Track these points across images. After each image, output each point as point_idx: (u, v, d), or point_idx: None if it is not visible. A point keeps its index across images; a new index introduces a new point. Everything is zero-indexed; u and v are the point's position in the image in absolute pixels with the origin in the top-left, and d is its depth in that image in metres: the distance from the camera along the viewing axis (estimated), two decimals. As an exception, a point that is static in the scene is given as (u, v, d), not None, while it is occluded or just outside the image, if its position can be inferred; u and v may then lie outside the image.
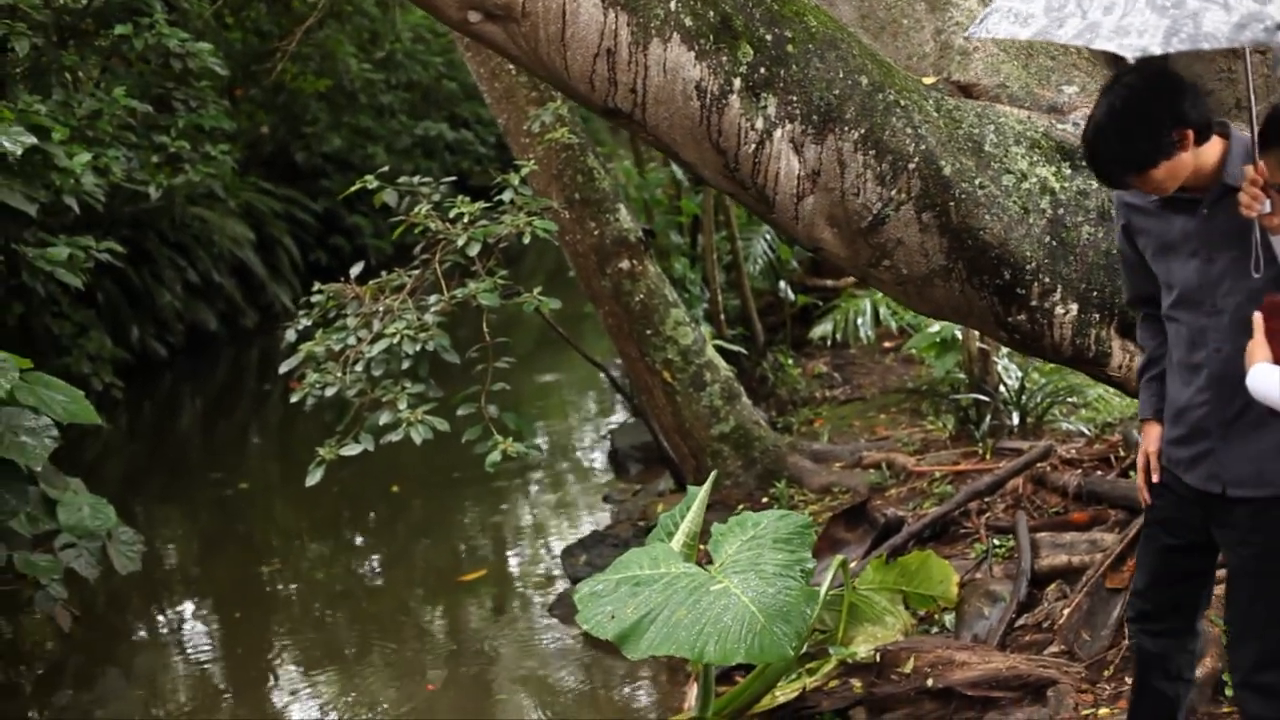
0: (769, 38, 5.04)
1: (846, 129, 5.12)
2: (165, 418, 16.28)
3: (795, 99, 5.08)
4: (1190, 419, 4.30)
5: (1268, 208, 3.86)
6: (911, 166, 5.17)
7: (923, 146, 5.19)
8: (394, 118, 25.60)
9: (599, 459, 12.85)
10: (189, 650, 9.27)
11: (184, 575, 10.92)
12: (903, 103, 5.21)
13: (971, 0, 5.67)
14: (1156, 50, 3.52)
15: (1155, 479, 4.48)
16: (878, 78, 5.20)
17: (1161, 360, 4.48)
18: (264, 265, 20.47)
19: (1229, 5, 3.55)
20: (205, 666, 8.97)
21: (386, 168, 8.68)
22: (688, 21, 4.93)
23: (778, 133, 5.10)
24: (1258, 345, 3.82)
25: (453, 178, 8.40)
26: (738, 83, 5.02)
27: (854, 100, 5.13)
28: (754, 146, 5.10)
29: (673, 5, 4.91)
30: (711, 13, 4.96)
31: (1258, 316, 3.84)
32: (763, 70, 5.03)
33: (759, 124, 5.07)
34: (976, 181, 5.22)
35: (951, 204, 5.21)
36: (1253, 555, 4.21)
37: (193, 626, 9.81)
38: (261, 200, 20.93)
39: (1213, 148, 4.08)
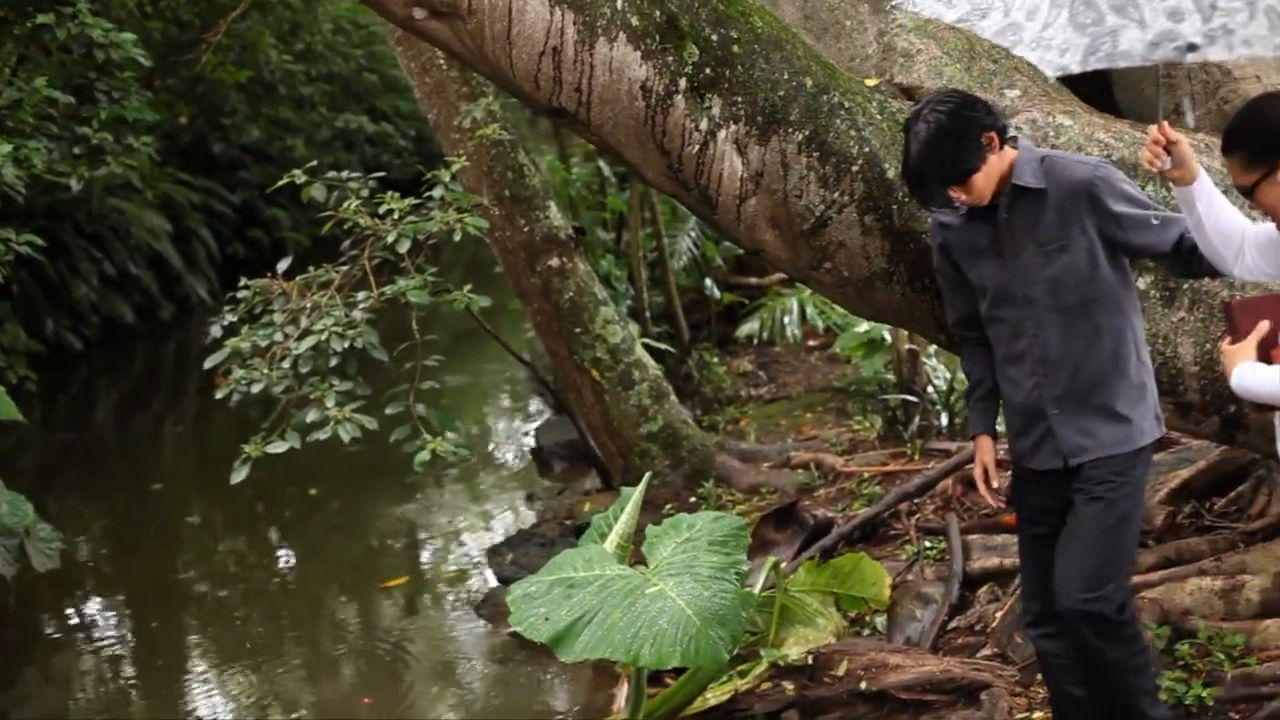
0: (714, 38, 5.01)
1: (790, 131, 5.10)
2: (80, 411, 16.06)
3: (740, 100, 5.05)
4: (1023, 405, 4.69)
5: (1168, 164, 4.13)
6: (855, 169, 5.16)
7: (866, 149, 5.17)
8: (314, 110, 25.41)
9: (522, 456, 12.79)
10: (106, 649, 9.13)
11: (100, 573, 10.76)
12: (847, 105, 5.19)
13: (915, 3, 5.65)
14: (1076, 69, 3.81)
15: (995, 484, 4.88)
16: (822, 79, 5.17)
17: (986, 382, 4.86)
18: (181, 257, 20.28)
19: (1144, 23, 3.79)
20: (122, 666, 8.84)
21: (309, 161, 8.55)
22: (634, 21, 4.88)
23: (722, 134, 5.06)
24: (1238, 348, 3.89)
25: (380, 173, 8.26)
26: (683, 83, 4.98)
27: (798, 102, 5.10)
28: (698, 148, 5.06)
29: (619, 4, 4.87)
30: (658, 12, 4.92)
31: (1263, 325, 3.91)
32: (708, 71, 5.00)
33: (703, 125, 5.03)
34: (919, 185, 5.21)
35: (894, 207, 5.20)
36: (1094, 487, 4.59)
37: (109, 625, 9.66)
38: (179, 192, 20.72)
39: (1007, 156, 4.52)
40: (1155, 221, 4.47)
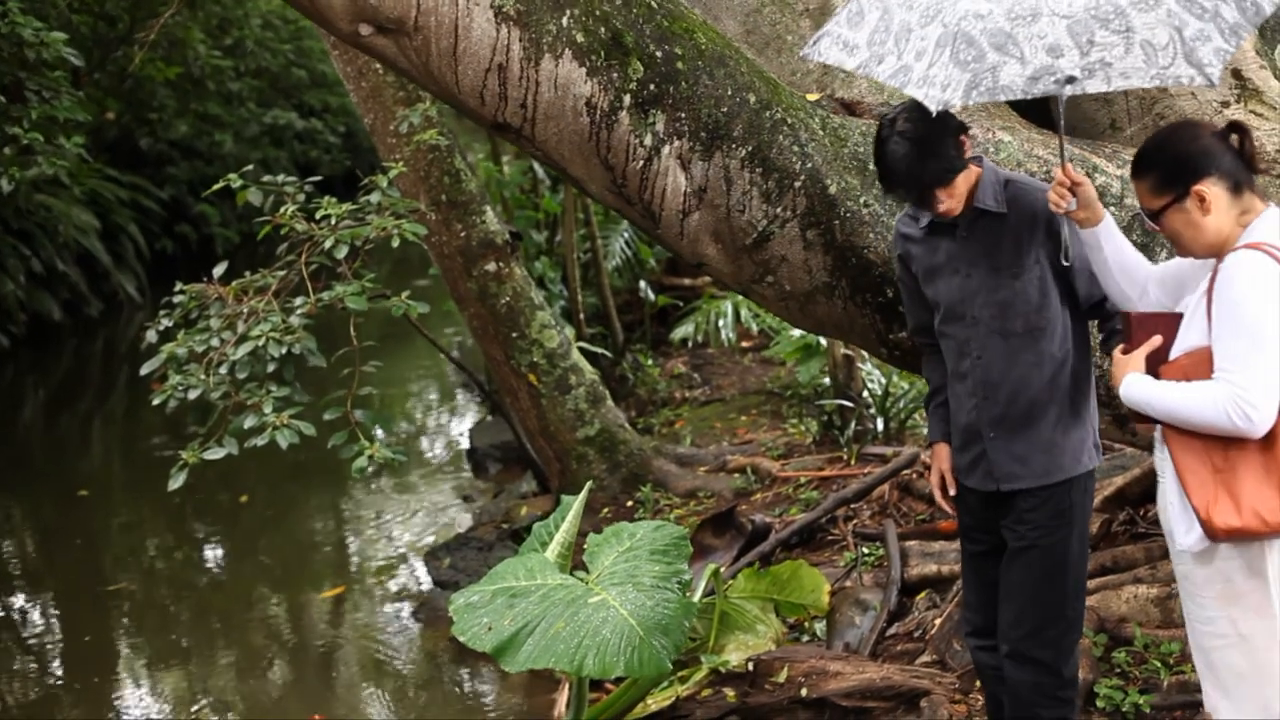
0: (659, 54, 5.03)
1: (734, 146, 5.13)
2: (7, 410, 15.90)
3: (684, 116, 5.08)
4: (963, 424, 4.72)
5: (1074, 205, 4.23)
6: (797, 185, 5.20)
7: (809, 165, 5.21)
8: (242, 105, 25.27)
9: (455, 456, 12.78)
10: (34, 650, 9.05)
11: (28, 574, 10.66)
12: (789, 121, 5.23)
13: (855, 19, 5.69)
14: (958, 104, 3.89)
15: (952, 492, 4.85)
16: (765, 95, 5.21)
17: (944, 389, 4.86)
18: (109, 254, 20.13)
19: (1024, 59, 3.87)
20: (50, 666, 8.77)
21: (237, 156, 8.53)
22: (579, 38, 4.90)
23: (666, 149, 5.09)
24: (1129, 359, 4.03)
25: (315, 177, 8.23)
26: (627, 99, 5.00)
27: (742, 118, 5.14)
28: (642, 163, 5.09)
29: (565, 21, 4.88)
30: (603, 29, 4.94)
31: (1155, 340, 4.04)
32: (652, 87, 5.02)
33: (648, 140, 5.06)
34: (861, 200, 5.26)
35: (836, 222, 5.24)
36: (1028, 532, 4.62)
37: (37, 626, 9.58)
38: (107, 188, 20.55)
39: (972, 174, 4.53)
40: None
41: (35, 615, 9.83)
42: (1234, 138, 3.94)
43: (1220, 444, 3.80)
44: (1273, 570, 3.84)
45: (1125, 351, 4.07)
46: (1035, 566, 4.61)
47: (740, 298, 12.11)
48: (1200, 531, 3.82)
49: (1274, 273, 3.75)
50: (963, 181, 4.47)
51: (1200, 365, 3.85)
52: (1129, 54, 3.89)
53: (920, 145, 4.35)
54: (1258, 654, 3.90)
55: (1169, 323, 4.04)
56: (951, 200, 4.47)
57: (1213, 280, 3.86)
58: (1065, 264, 4.40)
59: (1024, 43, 3.90)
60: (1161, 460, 4.04)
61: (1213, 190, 3.87)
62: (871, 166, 5.31)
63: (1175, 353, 3.97)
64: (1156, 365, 3.98)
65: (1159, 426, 3.99)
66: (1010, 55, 3.89)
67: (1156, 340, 4.02)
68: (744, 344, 13.16)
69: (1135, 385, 3.96)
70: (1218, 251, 3.90)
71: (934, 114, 4.04)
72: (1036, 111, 5.84)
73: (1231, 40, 3.95)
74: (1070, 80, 3.88)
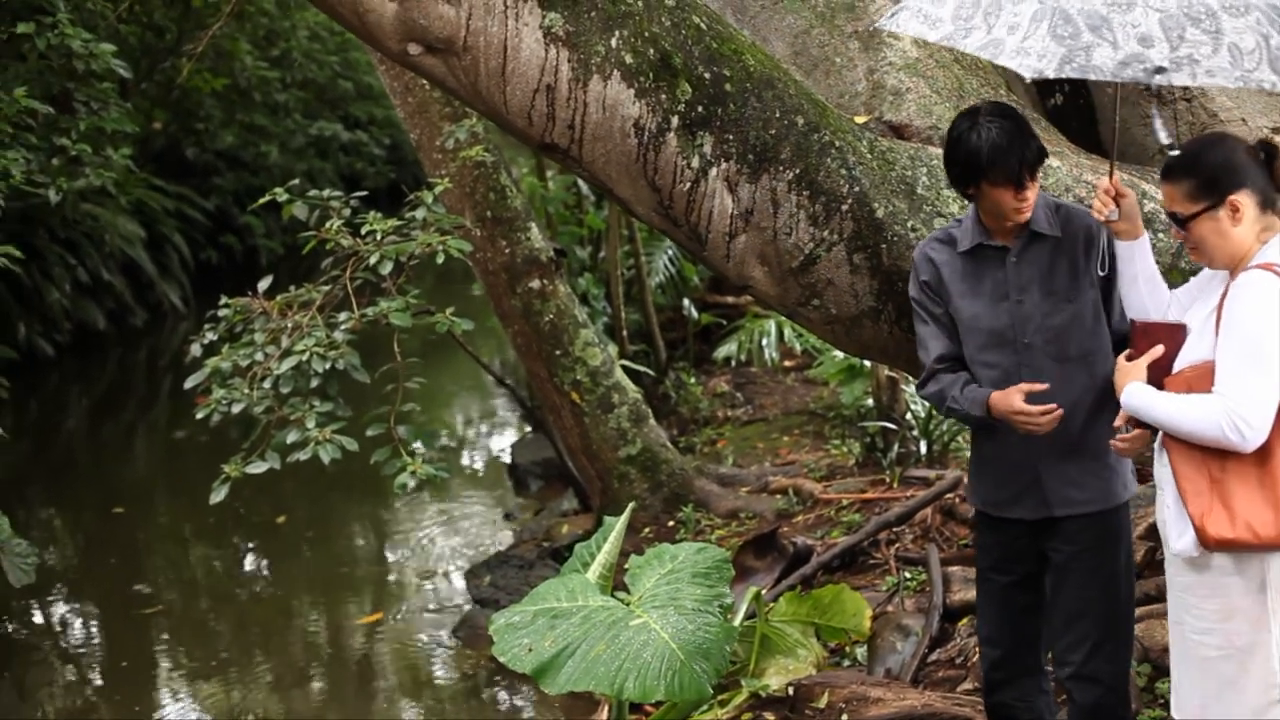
0: (707, 76, 5.01)
1: (781, 169, 5.11)
2: (52, 419, 16.00)
3: (731, 138, 5.05)
4: (1009, 453, 4.64)
5: (1116, 215, 4.32)
6: (845, 208, 5.17)
7: (856, 188, 5.18)
8: (288, 116, 25.36)
9: (496, 472, 12.78)
10: (76, 660, 9.09)
11: (71, 585, 10.69)
12: (837, 144, 5.20)
13: (905, 42, 5.67)
14: (1050, 74, 4.00)
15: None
16: (813, 118, 5.18)
17: (950, 364, 4.71)
18: (154, 264, 20.24)
19: (1117, 44, 3.99)
20: (91, 676, 8.80)
21: (283, 167, 8.56)
22: (628, 59, 4.89)
23: (713, 171, 5.07)
24: (1132, 367, 4.15)
25: (361, 193, 8.24)
26: (675, 121, 4.98)
27: (789, 140, 5.11)
28: (689, 185, 5.07)
29: (613, 42, 4.87)
30: (651, 50, 4.92)
31: (1158, 350, 4.15)
32: (700, 109, 5.00)
33: (695, 162, 5.04)
34: (909, 224, 5.22)
35: (883, 246, 5.21)
36: (1079, 554, 4.61)
37: (79, 636, 9.62)
38: (153, 198, 20.66)
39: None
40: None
41: (76, 625, 9.87)
42: (1263, 155, 4.06)
43: (1218, 456, 3.89)
44: (1272, 585, 3.92)
45: (1129, 359, 4.19)
46: (1091, 584, 4.61)
47: (784, 317, 12.08)
48: (1193, 537, 3.93)
49: None
50: (1037, 183, 4.47)
51: (1204, 378, 3.96)
52: (1216, 54, 3.98)
53: (1018, 126, 4.39)
54: (1251, 666, 3.98)
55: (1171, 333, 4.16)
56: (1030, 200, 4.46)
57: (1223, 297, 3.98)
58: (1102, 274, 4.46)
59: (1118, 28, 4.01)
60: (1161, 470, 4.13)
61: (1245, 202, 3.97)
62: (919, 191, 5.30)
63: (1181, 364, 4.08)
64: (1158, 374, 4.09)
65: (1159, 437, 4.09)
66: (1104, 39, 4.00)
67: (1158, 350, 4.13)
68: (787, 364, 13.12)
69: (1136, 393, 4.08)
70: (1236, 262, 4.01)
71: (1028, 80, 4.20)
72: (1084, 137, 5.80)
73: None
74: (1160, 70, 3.96)
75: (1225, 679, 4.04)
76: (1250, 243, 3.99)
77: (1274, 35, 4.02)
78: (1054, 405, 4.41)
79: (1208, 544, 3.89)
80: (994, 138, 4.35)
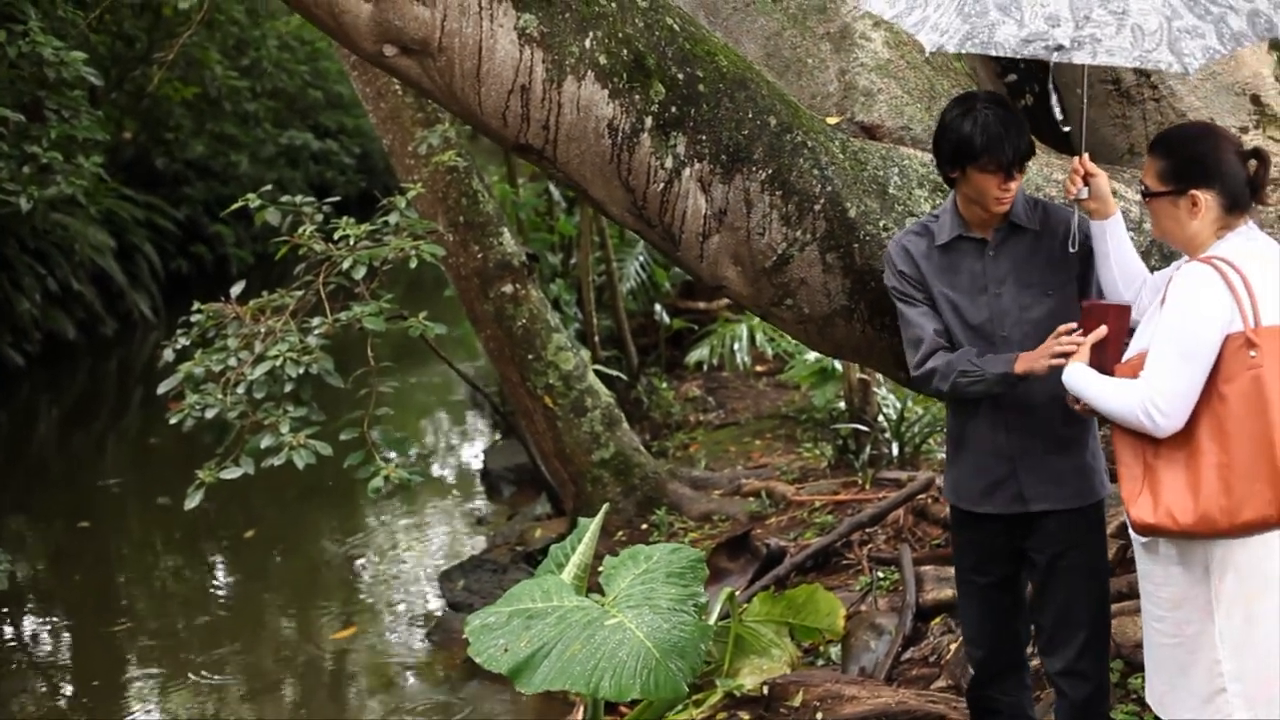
0: (681, 77, 5.04)
1: (754, 169, 5.14)
2: (21, 428, 15.94)
3: (705, 138, 5.08)
4: (985, 446, 4.67)
5: (1086, 194, 4.40)
6: (817, 208, 5.20)
7: (829, 188, 5.21)
8: (259, 126, 25.31)
9: (469, 477, 12.78)
10: (46, 669, 9.06)
11: (41, 593, 10.65)
12: (810, 144, 5.23)
13: (876, 42, 5.69)
14: (951, 49, 4.21)
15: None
16: (786, 118, 5.22)
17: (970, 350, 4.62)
18: (124, 273, 20.20)
19: (1023, 22, 4.16)
20: (62, 685, 8.77)
21: (253, 177, 8.57)
22: (602, 60, 4.91)
23: (686, 171, 5.09)
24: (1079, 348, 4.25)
25: (334, 198, 8.26)
26: (649, 121, 5.01)
27: (762, 140, 5.14)
28: (662, 185, 5.09)
29: (588, 43, 4.90)
30: (625, 51, 4.95)
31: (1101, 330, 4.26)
32: (674, 109, 5.03)
33: (668, 163, 5.06)
34: (881, 224, 5.26)
35: (856, 245, 5.24)
36: (1064, 553, 4.64)
37: (49, 645, 9.58)
38: (123, 207, 20.62)
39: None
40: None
41: (44, 638, 9.81)
42: (1252, 163, 4.10)
43: (1153, 443, 3.98)
44: (1214, 574, 3.97)
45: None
46: (1080, 582, 4.65)
47: (755, 321, 12.13)
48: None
49: (1216, 288, 3.93)
50: (1021, 182, 4.53)
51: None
52: (1119, 34, 4.12)
53: (1013, 116, 4.44)
54: (1198, 654, 4.04)
55: (1117, 314, 4.27)
56: (1013, 192, 4.49)
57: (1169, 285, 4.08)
58: (1072, 250, 4.48)
59: (1026, 8, 4.18)
60: None
61: (1207, 200, 4.05)
62: (891, 190, 5.34)
63: (1131, 351, 4.17)
64: (1103, 354, 4.20)
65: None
66: (1011, 16, 4.17)
67: (1102, 330, 4.23)
68: (759, 368, 13.17)
69: (1074, 373, 4.19)
70: (1188, 251, 4.11)
71: (927, 54, 4.36)
72: (1054, 138, 5.85)
73: (1228, 45, 4.18)
74: (1059, 48, 4.11)
75: (1178, 666, 4.11)
76: (1206, 237, 4.07)
77: (1183, 17, 4.13)
78: (1073, 324, 4.33)
79: (1133, 527, 4.01)
80: (990, 123, 4.38)
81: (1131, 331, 4.29)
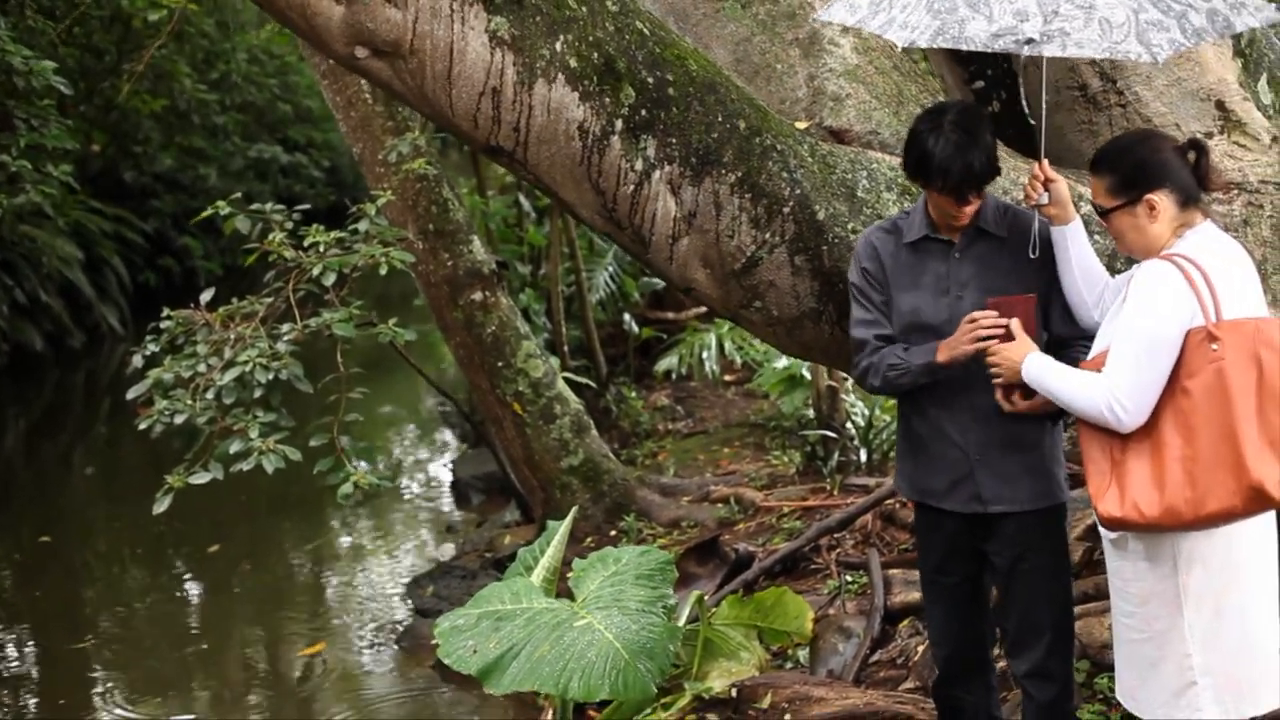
0: (651, 80, 5.08)
1: (724, 172, 5.18)
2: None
3: (674, 141, 5.12)
4: (942, 445, 4.68)
5: (1045, 199, 4.43)
6: (786, 210, 5.24)
7: (798, 191, 5.26)
8: (227, 139, 25.31)
9: (438, 486, 12.78)
10: (11, 682, 9.02)
11: (6, 606, 10.60)
12: (779, 147, 5.28)
13: (845, 48, 5.74)
14: (923, 44, 4.26)
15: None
16: (755, 122, 5.26)
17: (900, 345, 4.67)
18: (92, 285, 20.15)
19: (992, 18, 4.24)
20: (26, 699, 8.74)
21: (221, 190, 8.57)
22: (572, 63, 4.96)
23: (656, 174, 5.14)
24: (1016, 344, 4.31)
25: (304, 206, 8.28)
26: (619, 124, 5.05)
27: (731, 144, 5.19)
28: (633, 188, 5.13)
29: (558, 47, 4.94)
30: (596, 55, 4.99)
31: (1016, 323, 4.34)
32: (644, 112, 5.07)
33: (638, 165, 5.10)
34: (849, 226, 5.30)
35: (824, 248, 5.29)
36: (1025, 555, 4.66)
37: (14, 659, 9.54)
38: (91, 220, 20.59)
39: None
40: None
41: (10, 652, 9.74)
42: (1192, 155, 4.18)
43: (1120, 438, 4.02)
44: (1181, 570, 4.03)
45: (1002, 341, 4.34)
46: (1042, 585, 4.67)
47: (724, 330, 12.18)
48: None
49: (1176, 284, 3.98)
50: (980, 202, 4.54)
51: None
52: (1087, 27, 4.20)
53: (975, 138, 4.39)
54: (1167, 649, 4.09)
55: (1024, 305, 4.36)
56: (969, 213, 4.52)
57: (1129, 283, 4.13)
58: (1033, 256, 4.50)
59: (995, 3, 4.26)
60: None
61: (1163, 201, 4.10)
62: (860, 194, 5.38)
63: (1096, 349, 4.20)
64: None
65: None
66: (980, 12, 4.25)
67: (1016, 323, 4.31)
68: (727, 377, 13.21)
69: (1034, 363, 4.23)
70: (1152, 254, 4.13)
71: (899, 50, 4.45)
72: (1020, 142, 5.91)
73: (1191, 39, 4.27)
74: (1029, 42, 4.17)
75: (1147, 661, 4.15)
76: (1166, 237, 4.12)
77: (1148, 10, 4.22)
78: (989, 311, 4.40)
79: (1101, 521, 4.06)
80: (948, 149, 4.37)
81: (1091, 336, 4.35)
